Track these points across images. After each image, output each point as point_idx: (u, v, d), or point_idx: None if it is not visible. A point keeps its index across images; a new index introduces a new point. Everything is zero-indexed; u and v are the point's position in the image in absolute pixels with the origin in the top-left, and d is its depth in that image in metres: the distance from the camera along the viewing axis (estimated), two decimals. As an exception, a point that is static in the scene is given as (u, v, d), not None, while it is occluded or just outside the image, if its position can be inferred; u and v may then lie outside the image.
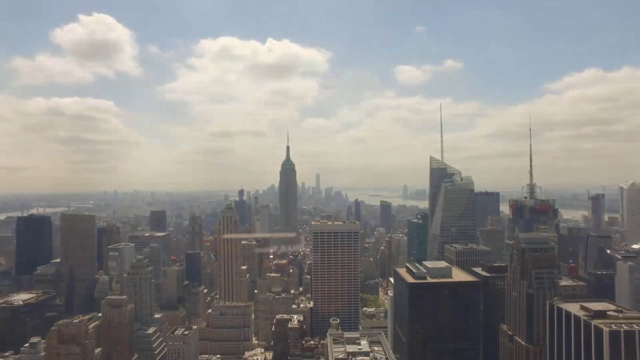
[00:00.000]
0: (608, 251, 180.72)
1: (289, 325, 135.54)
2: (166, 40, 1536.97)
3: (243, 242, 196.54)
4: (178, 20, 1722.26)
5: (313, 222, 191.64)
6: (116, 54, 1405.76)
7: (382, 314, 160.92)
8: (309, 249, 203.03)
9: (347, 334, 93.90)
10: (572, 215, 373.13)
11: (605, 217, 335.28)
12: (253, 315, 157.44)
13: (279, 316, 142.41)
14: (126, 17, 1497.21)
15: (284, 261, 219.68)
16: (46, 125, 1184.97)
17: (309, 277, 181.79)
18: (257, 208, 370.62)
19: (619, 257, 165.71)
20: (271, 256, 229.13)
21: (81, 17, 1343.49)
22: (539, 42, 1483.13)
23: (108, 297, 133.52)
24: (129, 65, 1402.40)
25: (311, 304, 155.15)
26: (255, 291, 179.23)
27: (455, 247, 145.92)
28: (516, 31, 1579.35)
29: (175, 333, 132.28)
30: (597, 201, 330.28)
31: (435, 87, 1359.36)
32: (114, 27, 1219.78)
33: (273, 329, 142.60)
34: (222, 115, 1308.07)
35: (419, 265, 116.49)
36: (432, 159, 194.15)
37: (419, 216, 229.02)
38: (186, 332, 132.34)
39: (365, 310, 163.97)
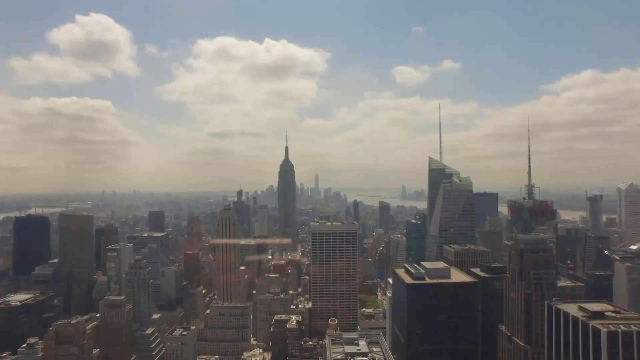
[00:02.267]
0: (606, 252, 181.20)
1: (288, 326, 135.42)
2: (164, 41, 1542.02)
3: (242, 242, 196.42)
4: (176, 20, 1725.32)
5: (312, 223, 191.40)
6: (114, 54, 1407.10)
7: (381, 315, 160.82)
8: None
9: (346, 335, 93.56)
10: (571, 216, 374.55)
11: (604, 218, 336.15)
12: (251, 316, 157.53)
13: (277, 317, 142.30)
14: (124, 17, 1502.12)
15: (283, 261, 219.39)
16: (44, 125, 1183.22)
17: (307, 277, 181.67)
18: (255, 208, 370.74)
19: (617, 257, 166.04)
20: (270, 257, 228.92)
21: (78, 17, 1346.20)
22: (537, 43, 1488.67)
23: (106, 297, 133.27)
24: (127, 66, 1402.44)
25: (310, 305, 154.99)
26: (254, 292, 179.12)
27: (453, 248, 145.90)
28: (513, 32, 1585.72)
29: (174, 334, 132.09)
30: (595, 202, 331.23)
31: (433, 88, 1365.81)
32: (111, 27, 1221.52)
33: (271, 329, 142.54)
34: (220, 116, 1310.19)
35: (417, 266, 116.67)
36: (430, 159, 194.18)
37: (417, 217, 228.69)
38: (184, 333, 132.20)
39: (363, 311, 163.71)
